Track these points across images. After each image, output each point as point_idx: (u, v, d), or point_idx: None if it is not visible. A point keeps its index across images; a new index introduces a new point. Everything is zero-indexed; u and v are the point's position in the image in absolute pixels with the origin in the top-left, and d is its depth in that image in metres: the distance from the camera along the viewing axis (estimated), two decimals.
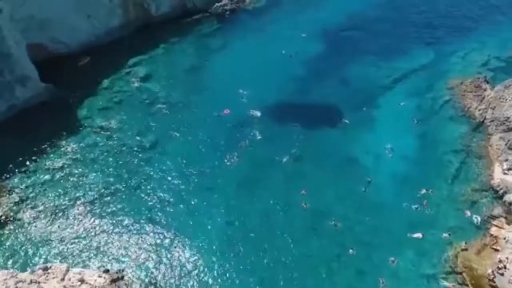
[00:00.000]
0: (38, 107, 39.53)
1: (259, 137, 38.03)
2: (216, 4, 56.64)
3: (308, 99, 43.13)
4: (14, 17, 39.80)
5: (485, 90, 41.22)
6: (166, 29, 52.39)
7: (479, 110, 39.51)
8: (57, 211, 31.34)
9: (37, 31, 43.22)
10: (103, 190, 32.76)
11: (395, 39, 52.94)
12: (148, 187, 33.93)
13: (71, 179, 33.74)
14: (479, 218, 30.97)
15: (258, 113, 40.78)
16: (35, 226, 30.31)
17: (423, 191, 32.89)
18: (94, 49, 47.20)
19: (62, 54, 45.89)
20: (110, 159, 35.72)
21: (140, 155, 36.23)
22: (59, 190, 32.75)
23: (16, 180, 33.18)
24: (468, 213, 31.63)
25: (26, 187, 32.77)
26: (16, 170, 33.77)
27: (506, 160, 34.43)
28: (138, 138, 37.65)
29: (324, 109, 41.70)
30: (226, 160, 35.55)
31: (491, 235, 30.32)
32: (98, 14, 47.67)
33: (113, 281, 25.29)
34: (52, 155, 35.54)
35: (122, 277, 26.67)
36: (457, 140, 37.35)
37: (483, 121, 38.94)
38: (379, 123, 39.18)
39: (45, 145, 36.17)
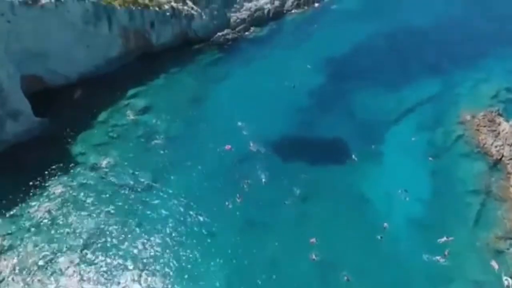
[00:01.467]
0: (29, 143, 36.26)
1: (262, 175, 34.64)
2: (218, 33, 54.48)
3: (313, 132, 40.01)
4: (8, 50, 37.13)
5: (499, 124, 38.23)
6: (166, 58, 49.99)
7: (496, 146, 36.37)
8: (41, 263, 27.54)
9: (33, 62, 40.50)
10: (93, 239, 29.08)
11: (400, 69, 50.57)
12: (143, 233, 30.25)
13: (59, 224, 30.10)
14: (510, 281, 27.00)
15: (261, 148, 37.57)
16: (16, 281, 26.47)
17: (443, 239, 29.26)
18: (92, 79, 44.52)
19: (59, 86, 43.07)
20: (103, 201, 32.17)
21: (136, 196, 32.72)
22: (45, 238, 29.06)
23: None
24: (495, 265, 27.89)
25: (9, 234, 29.09)
26: None
27: None
28: (134, 177, 34.25)
29: (330, 144, 38.50)
30: (227, 202, 32.01)
31: None
32: (97, 45, 45.14)
33: None
34: (40, 197, 32.01)
35: None
36: (474, 179, 33.98)
37: (500, 159, 35.72)
38: (390, 160, 35.88)
39: (34, 185, 32.71)
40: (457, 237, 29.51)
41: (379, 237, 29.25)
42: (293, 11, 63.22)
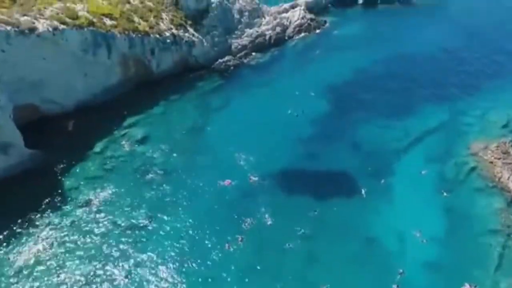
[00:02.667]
0: (19, 177, 33.64)
1: (264, 213, 31.85)
2: (219, 60, 52.84)
3: (318, 164, 37.45)
4: (1, 80, 35.11)
5: None
6: (166, 85, 48.12)
7: None
8: None
9: (28, 92, 38.50)
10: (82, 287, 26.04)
11: (405, 97, 48.54)
12: (137, 279, 27.23)
13: (46, 270, 27.14)
14: None
15: (263, 182, 34.95)
16: None
17: (467, 287, 26.21)
18: (89, 108, 42.42)
19: (54, 115, 40.96)
20: (94, 243, 29.33)
21: (130, 237, 29.89)
22: (30, 286, 26.02)
23: None
24: None
25: None
26: None
27: None
28: (128, 215, 31.52)
29: (336, 177, 35.89)
30: (227, 244, 29.10)
31: None
32: (96, 73, 43.31)
33: None
34: (27, 238, 29.18)
35: None
36: (492, 217, 31.23)
37: None
38: (400, 196, 33.18)
39: (20, 225, 29.94)
40: (480, 284, 26.50)
41: (395, 286, 26.22)
42: (294, 37, 62.07)
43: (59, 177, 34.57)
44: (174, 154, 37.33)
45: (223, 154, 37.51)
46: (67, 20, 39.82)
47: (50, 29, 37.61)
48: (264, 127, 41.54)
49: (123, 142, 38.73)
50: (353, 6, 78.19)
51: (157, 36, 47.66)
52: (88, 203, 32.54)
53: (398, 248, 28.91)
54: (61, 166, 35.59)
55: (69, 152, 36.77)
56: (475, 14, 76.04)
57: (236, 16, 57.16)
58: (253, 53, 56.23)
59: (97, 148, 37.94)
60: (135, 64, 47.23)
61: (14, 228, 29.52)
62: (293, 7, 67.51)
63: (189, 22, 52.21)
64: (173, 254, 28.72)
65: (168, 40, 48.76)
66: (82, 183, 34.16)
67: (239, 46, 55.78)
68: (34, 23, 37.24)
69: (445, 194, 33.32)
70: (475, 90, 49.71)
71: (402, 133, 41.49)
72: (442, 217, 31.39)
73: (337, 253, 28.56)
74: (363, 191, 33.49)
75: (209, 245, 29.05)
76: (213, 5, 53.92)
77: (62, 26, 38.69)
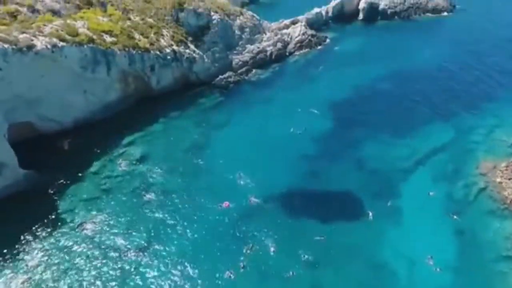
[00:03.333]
0: (13, 198, 32.24)
1: (266, 238, 30.32)
2: (220, 76, 52.13)
3: (321, 184, 36.12)
4: None
5: None
6: (166, 102, 47.22)
7: None
8: None
9: (25, 109, 37.53)
10: None
11: (408, 114, 47.61)
12: None
13: None
14: None
15: (264, 204, 33.52)
16: None
17: None
18: (87, 125, 41.41)
19: (51, 133, 39.86)
20: (89, 268, 27.74)
21: (126, 262, 28.30)
22: None
23: None
24: None
25: None
26: None
27: None
28: (125, 239, 29.99)
29: (341, 199, 34.51)
30: (228, 272, 27.50)
31: None
32: (95, 89, 42.43)
33: None
34: (18, 263, 27.62)
35: None
36: (506, 242, 29.75)
37: None
38: (408, 219, 31.74)
39: (13, 249, 28.40)
40: None
41: None
42: (295, 53, 61.65)
43: (54, 199, 33.17)
44: (173, 174, 36.04)
45: (223, 174, 36.22)
46: (67, 37, 39.17)
47: (49, 46, 36.86)
48: (265, 145, 40.41)
49: (121, 161, 37.47)
50: (353, 22, 78.32)
51: (158, 52, 47.02)
52: (83, 225, 31.06)
53: (408, 275, 27.30)
54: (57, 186, 34.24)
55: (65, 171, 35.52)
56: (475, 31, 76.11)
57: (237, 32, 56.78)
58: (254, 69, 55.61)
59: (94, 167, 36.67)
60: (135, 80, 46.45)
61: (7, 251, 28.00)
62: (293, 23, 67.32)
63: (190, 38, 51.73)
64: (170, 282, 27.11)
65: (169, 57, 48.11)
66: (77, 204, 32.75)
67: (240, 62, 55.19)
68: (32, 40, 36.51)
69: (455, 217, 31.88)
70: (479, 108, 48.79)
71: (407, 151, 40.31)
72: (453, 242, 29.90)
73: (344, 281, 26.98)
74: (370, 214, 32.04)
75: (209, 273, 27.46)
76: (214, 21, 53.56)
77: (61, 43, 37.98)
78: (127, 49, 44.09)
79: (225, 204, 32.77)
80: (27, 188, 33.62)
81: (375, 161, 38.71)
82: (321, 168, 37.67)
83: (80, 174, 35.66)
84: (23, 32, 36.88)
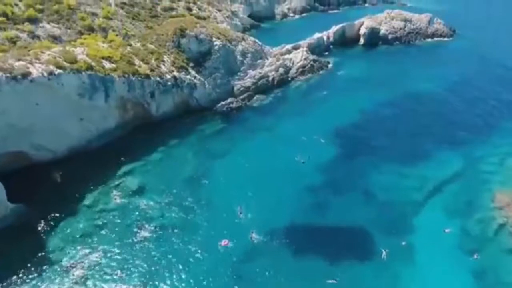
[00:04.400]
0: None
1: (270, 281, 27.73)
2: (221, 102, 50.81)
3: (328, 219, 33.84)
4: None
5: None
6: (166, 129, 45.63)
7: None
8: None
9: (17, 138, 35.82)
10: None
11: (415, 141, 45.94)
12: None
13: None
14: None
15: (266, 241, 31.07)
16: None
17: None
18: (83, 154, 39.57)
19: (45, 162, 37.97)
20: None
21: None
22: None
23: None
24: None
25: None
26: None
27: None
28: (120, 280, 27.46)
29: (350, 235, 32.16)
30: None
31: None
32: (92, 117, 40.91)
33: None
34: None
35: None
36: None
37: None
38: (424, 259, 29.31)
39: None
40: None
41: None
42: (298, 78, 60.78)
43: (44, 236, 30.85)
44: (171, 208, 33.83)
45: (223, 207, 34.04)
46: (65, 64, 37.98)
47: (45, 74, 35.58)
48: (268, 176, 38.42)
49: (117, 193, 35.35)
50: (355, 46, 78.25)
51: (158, 78, 45.88)
52: (73, 266, 28.58)
53: None
54: (47, 222, 31.99)
55: (56, 205, 33.33)
56: (476, 56, 75.93)
57: (239, 57, 56.01)
58: (256, 95, 54.43)
59: (88, 200, 34.52)
60: (134, 107, 45.04)
61: None
62: (295, 48, 66.90)
63: (191, 64, 50.80)
64: None
65: (169, 83, 46.95)
66: (68, 242, 30.37)
67: (242, 88, 54.07)
68: (28, 68, 35.26)
69: (475, 256, 29.46)
70: (488, 134, 47.27)
71: (418, 181, 38.31)
72: (473, 286, 27.35)
73: None
74: (383, 253, 29.60)
75: None
76: (216, 47, 52.83)
77: (58, 71, 36.72)
78: (126, 75, 42.94)
79: (224, 242, 30.40)
80: (15, 223, 31.36)
81: (384, 193, 36.62)
82: (328, 200, 35.55)
83: (72, 208, 33.45)
84: (19, 60, 35.72)
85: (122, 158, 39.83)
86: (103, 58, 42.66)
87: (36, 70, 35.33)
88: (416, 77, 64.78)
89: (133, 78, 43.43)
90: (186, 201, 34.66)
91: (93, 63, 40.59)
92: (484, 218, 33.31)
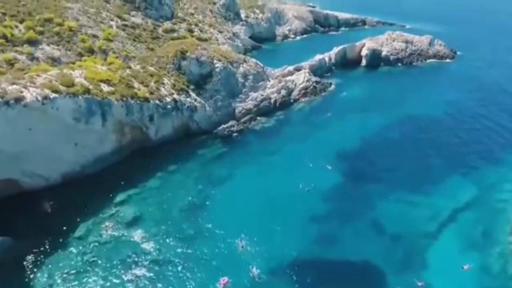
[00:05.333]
0: None
1: None
2: (222, 125, 49.22)
3: (336, 253, 31.53)
4: None
5: None
6: (164, 153, 43.80)
7: None
8: None
9: (8, 165, 33.95)
10: None
11: (424, 166, 44.10)
12: None
13: None
14: None
15: (269, 278, 28.64)
16: None
17: None
18: (77, 180, 37.63)
19: (36, 189, 35.93)
20: None
21: None
22: None
23: None
24: None
25: None
26: None
27: None
28: None
29: (360, 271, 29.81)
30: None
31: None
32: (87, 142, 39.17)
33: None
34: None
35: None
36: None
37: None
38: None
39: None
40: None
41: None
42: (300, 100, 59.53)
43: (31, 272, 28.52)
44: (168, 241, 31.55)
45: (223, 240, 31.79)
46: (61, 87, 36.58)
47: (39, 98, 34.07)
48: (271, 205, 36.27)
49: (111, 224, 33.16)
50: (356, 68, 77.60)
51: (157, 101, 44.45)
52: None
53: None
54: (34, 256, 29.70)
55: (46, 237, 31.16)
56: (478, 78, 75.18)
57: (240, 79, 54.90)
58: (258, 118, 52.96)
59: (80, 231, 32.30)
60: (132, 131, 43.38)
61: None
62: (297, 69, 66.10)
63: (192, 86, 49.54)
64: None
65: (169, 106, 45.50)
66: (56, 280, 28.01)
67: (243, 110, 52.63)
68: (22, 92, 33.80)
69: None
70: (497, 160, 45.48)
71: (429, 211, 36.18)
72: None
73: None
74: None
75: None
76: (217, 69, 51.74)
77: (53, 95, 35.25)
78: (125, 98, 41.50)
79: (223, 281, 27.96)
80: (2, 258, 28.98)
81: (394, 223, 34.44)
82: (335, 233, 33.31)
83: (62, 240, 31.23)
84: (13, 83, 34.30)
85: (117, 185, 37.80)
86: (101, 81, 41.36)
87: (30, 94, 33.83)
88: (420, 99, 63.60)
89: (132, 102, 41.99)
90: (183, 233, 32.41)
91: (90, 86, 39.23)
92: (504, 252, 31.04)
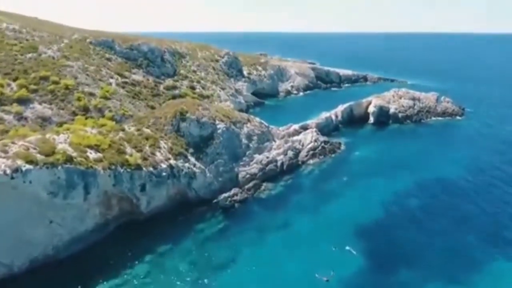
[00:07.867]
0: None
1: None
2: (224, 194, 43.01)
3: None
4: None
5: None
6: (156, 229, 37.15)
7: None
8: None
9: None
10: None
11: (456, 244, 36.92)
12: None
13: None
14: None
15: None
16: None
17: None
18: (46, 266, 30.64)
19: None
20: None
21: None
22: None
23: None
24: None
25: None
26: None
27: None
28: None
29: None
30: None
31: None
32: (65, 219, 32.81)
33: None
34: None
35: None
36: None
37: None
38: None
39: None
40: None
41: None
42: (309, 162, 54.09)
43: None
44: None
45: None
46: (38, 157, 31.11)
47: (8, 171, 28.40)
48: None
49: None
50: (364, 125, 73.62)
51: (151, 169, 38.78)
52: None
53: None
54: None
55: None
56: (490, 136, 70.73)
57: (244, 141, 49.96)
58: (264, 183, 46.94)
59: None
60: (120, 203, 37.18)
61: None
62: (303, 128, 61.82)
63: (191, 150, 44.28)
64: None
65: (164, 173, 39.74)
66: None
67: (247, 175, 46.79)
68: None
69: None
70: None
71: None
72: None
73: None
74: None
75: None
76: (219, 131, 46.98)
77: (26, 166, 29.63)
78: (113, 166, 35.91)
79: None
80: None
81: None
82: None
83: None
84: None
85: (97, 272, 30.67)
86: (88, 146, 36.15)
87: None
88: (432, 160, 58.12)
89: (121, 170, 36.33)
90: None
91: (74, 154, 33.85)
92: None
